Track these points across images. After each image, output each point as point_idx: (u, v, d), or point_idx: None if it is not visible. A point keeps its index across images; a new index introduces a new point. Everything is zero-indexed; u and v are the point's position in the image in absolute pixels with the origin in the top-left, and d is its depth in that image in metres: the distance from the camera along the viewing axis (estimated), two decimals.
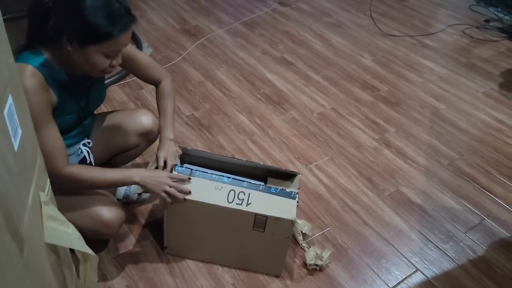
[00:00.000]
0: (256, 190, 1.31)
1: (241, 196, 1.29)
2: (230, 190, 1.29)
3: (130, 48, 1.32)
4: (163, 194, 1.22)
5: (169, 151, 1.35)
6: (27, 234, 0.66)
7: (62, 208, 1.21)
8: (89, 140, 1.42)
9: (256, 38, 2.99)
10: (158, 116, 1.46)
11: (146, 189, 1.24)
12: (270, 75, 2.56)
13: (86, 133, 1.40)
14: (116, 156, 1.55)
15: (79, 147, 1.38)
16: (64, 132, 1.24)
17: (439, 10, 3.75)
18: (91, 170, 1.19)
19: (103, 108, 2.05)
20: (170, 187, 1.22)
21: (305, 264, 1.47)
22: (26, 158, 0.70)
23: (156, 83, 1.45)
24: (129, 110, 1.56)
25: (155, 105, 2.18)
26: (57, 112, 1.16)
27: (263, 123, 2.16)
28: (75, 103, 1.24)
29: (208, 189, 1.28)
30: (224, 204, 1.26)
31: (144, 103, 2.22)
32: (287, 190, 1.33)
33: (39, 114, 1.06)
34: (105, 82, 2.24)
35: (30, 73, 1.05)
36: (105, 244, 1.47)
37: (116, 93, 2.26)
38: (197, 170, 1.32)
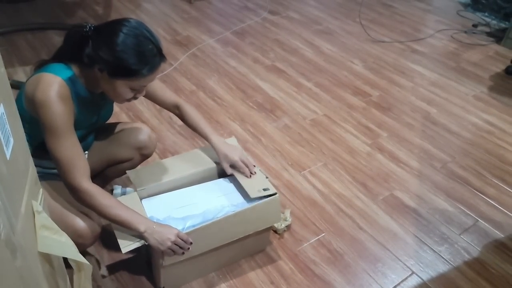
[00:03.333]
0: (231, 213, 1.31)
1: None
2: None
3: (150, 87, 1.41)
4: (167, 251, 1.18)
5: (236, 151, 1.39)
6: (20, 243, 0.66)
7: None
8: (86, 152, 1.42)
9: (247, 47, 3.01)
10: (154, 132, 1.49)
11: (147, 241, 1.18)
12: (261, 83, 2.58)
13: (86, 147, 1.41)
14: (109, 167, 1.55)
15: None
16: None
17: (428, 16, 3.81)
18: (108, 198, 1.16)
19: (110, 121, 2.05)
20: (176, 243, 1.18)
21: (277, 234, 1.58)
22: (18, 167, 0.70)
23: (173, 105, 1.47)
24: (127, 123, 1.56)
25: (147, 116, 2.20)
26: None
27: (255, 130, 2.17)
28: (88, 119, 1.28)
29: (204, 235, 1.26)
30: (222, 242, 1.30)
31: (136, 114, 2.22)
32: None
33: (64, 124, 1.09)
34: None
35: (59, 84, 1.09)
36: (100, 254, 1.46)
37: None
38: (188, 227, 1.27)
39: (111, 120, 2.15)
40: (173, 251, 1.18)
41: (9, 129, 0.66)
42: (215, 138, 1.41)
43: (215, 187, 1.43)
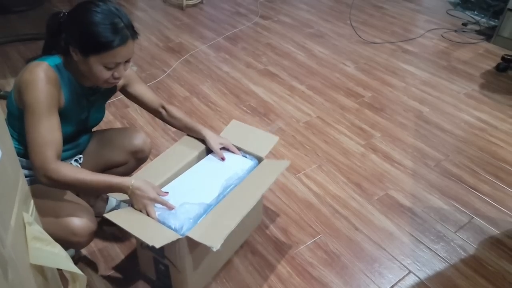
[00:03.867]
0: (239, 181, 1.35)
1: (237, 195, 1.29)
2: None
3: (138, 89, 1.45)
4: (143, 211, 1.19)
5: (219, 138, 1.44)
6: (11, 256, 0.66)
7: (47, 208, 1.20)
8: (80, 156, 1.42)
9: (239, 51, 3.02)
10: (149, 137, 1.50)
11: (130, 199, 1.19)
12: (255, 87, 2.59)
13: (79, 150, 1.41)
14: (104, 172, 1.55)
15: (70, 163, 1.38)
16: None
17: (418, 16, 3.84)
18: (80, 169, 1.16)
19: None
20: (147, 212, 1.18)
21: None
22: (7, 179, 0.69)
23: (159, 106, 1.50)
24: (122, 128, 1.58)
25: (141, 123, 2.20)
26: (62, 117, 1.19)
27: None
28: (77, 114, 1.28)
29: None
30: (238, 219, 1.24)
31: (130, 121, 2.22)
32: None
33: (44, 104, 1.09)
34: None
35: (45, 67, 1.12)
36: (95, 264, 1.45)
37: None
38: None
39: (104, 126, 2.15)
40: (149, 214, 1.18)
41: None
42: (207, 129, 1.48)
43: (211, 163, 1.43)
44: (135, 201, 1.18)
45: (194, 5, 3.81)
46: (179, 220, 1.17)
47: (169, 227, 1.16)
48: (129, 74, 1.42)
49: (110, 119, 2.22)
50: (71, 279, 0.88)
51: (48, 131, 1.10)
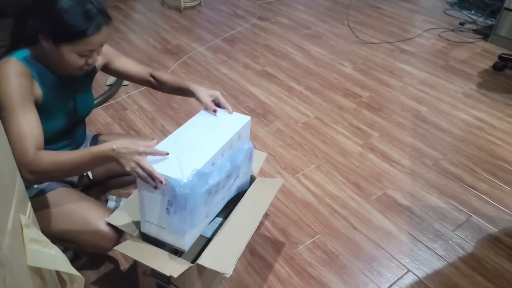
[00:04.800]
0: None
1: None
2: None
3: (121, 64, 1.38)
4: (133, 173, 1.06)
5: (208, 91, 1.34)
6: (8, 258, 0.66)
7: (58, 222, 1.21)
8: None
9: (237, 53, 3.02)
10: (148, 138, 1.48)
11: (118, 164, 1.06)
12: (253, 89, 2.59)
13: (77, 144, 1.38)
14: (112, 178, 1.55)
15: None
16: (54, 139, 1.24)
17: (415, 16, 3.85)
18: (59, 153, 1.07)
19: (103, 131, 2.05)
20: (142, 167, 1.04)
21: None
22: (3, 181, 0.70)
23: (147, 74, 1.44)
24: (130, 136, 1.56)
25: (140, 125, 2.21)
26: (45, 112, 1.15)
27: None
28: (62, 105, 1.23)
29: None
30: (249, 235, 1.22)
31: (128, 123, 2.22)
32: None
33: (16, 99, 1.05)
34: None
35: (12, 61, 1.07)
36: (93, 265, 1.46)
37: (100, 115, 2.26)
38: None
39: (102, 129, 2.15)
40: (139, 175, 1.05)
41: None
42: (194, 84, 1.38)
43: (205, 118, 1.32)
44: (124, 162, 1.04)
45: (192, 7, 3.82)
46: (181, 169, 1.06)
47: (169, 178, 1.03)
48: (107, 51, 1.35)
49: (108, 121, 2.22)
50: (69, 281, 0.89)
51: (23, 125, 1.04)
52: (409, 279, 1.49)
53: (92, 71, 1.34)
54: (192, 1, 3.86)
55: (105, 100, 2.37)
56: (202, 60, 2.91)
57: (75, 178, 1.39)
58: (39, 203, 1.23)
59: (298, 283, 1.45)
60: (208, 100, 1.34)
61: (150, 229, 1.16)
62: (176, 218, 1.08)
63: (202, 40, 3.20)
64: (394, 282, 1.48)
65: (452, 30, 3.52)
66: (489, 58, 3.08)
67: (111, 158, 1.05)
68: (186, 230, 1.11)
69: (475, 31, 3.51)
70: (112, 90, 2.44)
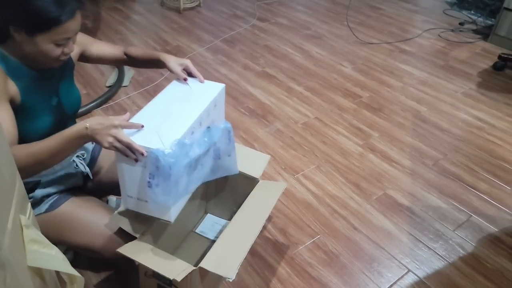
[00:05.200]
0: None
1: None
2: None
3: (96, 50, 1.34)
4: (112, 148, 1.03)
5: (178, 59, 1.31)
6: (8, 258, 0.66)
7: (77, 235, 1.21)
8: (83, 152, 1.39)
9: (237, 54, 3.03)
10: None
11: (95, 141, 1.04)
12: (252, 89, 2.59)
13: None
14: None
15: (73, 160, 1.34)
16: (44, 138, 1.15)
17: (415, 16, 3.85)
18: (30, 145, 1.03)
19: None
20: (119, 141, 1.02)
21: None
22: (3, 182, 0.70)
23: (122, 54, 1.41)
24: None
25: None
26: (27, 112, 1.12)
27: (248, 136, 2.17)
28: (45, 102, 1.18)
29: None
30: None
31: None
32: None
33: None
34: (88, 106, 2.27)
35: None
36: (94, 267, 1.46)
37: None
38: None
39: None
40: (118, 149, 1.03)
41: None
42: (164, 53, 1.34)
43: (178, 88, 1.29)
44: (100, 138, 1.01)
45: (191, 8, 3.82)
46: (161, 140, 1.04)
47: (151, 149, 1.02)
48: (81, 39, 1.31)
49: None
50: (68, 281, 0.89)
51: None
52: (410, 279, 1.49)
53: (70, 63, 1.29)
54: (192, 2, 3.86)
55: (104, 101, 2.37)
56: (201, 61, 2.91)
57: (79, 181, 1.38)
58: (53, 218, 1.23)
59: (298, 284, 1.45)
60: (178, 69, 1.31)
61: (133, 204, 1.15)
62: (160, 190, 1.06)
63: (201, 41, 3.21)
64: (395, 282, 1.47)
65: (452, 30, 3.52)
66: (489, 58, 3.08)
67: (86, 136, 1.02)
68: (170, 202, 1.08)
69: (475, 31, 3.51)
70: (112, 91, 2.44)
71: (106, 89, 2.49)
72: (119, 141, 1.01)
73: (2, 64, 1.07)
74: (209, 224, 1.58)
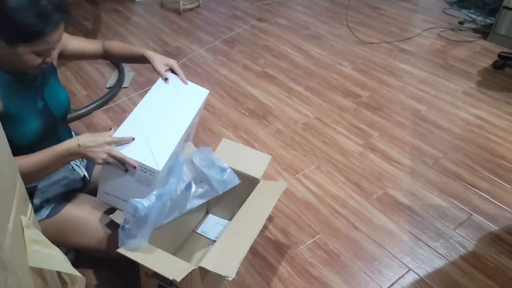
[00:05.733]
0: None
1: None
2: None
3: (74, 47, 1.32)
4: (104, 163, 1.08)
5: (164, 59, 1.30)
6: (9, 259, 0.66)
7: (80, 238, 1.23)
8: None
9: (236, 54, 3.03)
10: None
11: (87, 158, 1.08)
12: (252, 90, 2.60)
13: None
14: None
15: (70, 164, 1.32)
16: (36, 145, 1.16)
17: (414, 15, 3.85)
18: (25, 158, 1.04)
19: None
20: (113, 156, 1.06)
21: None
22: (4, 183, 0.70)
23: (102, 49, 1.40)
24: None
25: None
26: (12, 118, 1.09)
27: (248, 137, 2.18)
28: (29, 106, 1.15)
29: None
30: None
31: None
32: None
33: None
34: (89, 107, 2.28)
35: None
36: (95, 267, 1.46)
37: (100, 118, 2.27)
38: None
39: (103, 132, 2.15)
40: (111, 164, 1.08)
41: None
42: (149, 51, 1.35)
43: (163, 90, 1.30)
44: (94, 155, 1.05)
45: (191, 9, 3.83)
46: (153, 155, 1.09)
47: (144, 165, 1.07)
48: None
49: (108, 124, 2.23)
50: (69, 282, 0.89)
51: None
52: (410, 278, 1.49)
53: (51, 66, 1.27)
54: (191, 3, 3.87)
55: (105, 103, 2.38)
56: (201, 62, 2.92)
57: (78, 184, 1.38)
58: (55, 223, 1.24)
59: (299, 283, 1.45)
60: (162, 69, 1.31)
61: (109, 199, 1.20)
62: (132, 233, 1.12)
63: (201, 42, 3.21)
64: (396, 281, 1.48)
65: (452, 29, 3.53)
66: (488, 56, 3.08)
67: (77, 154, 1.06)
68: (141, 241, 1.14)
69: (475, 30, 3.51)
70: (112, 93, 2.44)
71: (107, 90, 2.49)
72: (113, 156, 1.06)
73: None
74: (210, 225, 1.58)
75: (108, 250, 1.24)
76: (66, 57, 1.34)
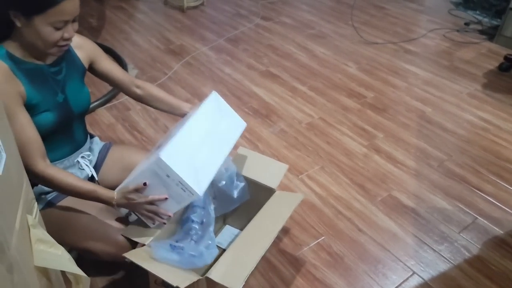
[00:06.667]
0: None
1: None
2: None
3: (106, 65, 1.35)
4: (142, 217, 1.20)
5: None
6: (16, 258, 0.66)
7: (74, 235, 1.22)
8: (88, 153, 1.37)
9: (240, 53, 3.02)
10: (151, 139, 1.46)
11: (119, 207, 1.21)
12: (256, 89, 2.59)
13: (77, 144, 1.33)
14: None
15: (77, 160, 1.33)
16: (47, 137, 1.18)
17: (420, 16, 3.83)
18: (68, 177, 1.14)
19: (106, 132, 2.05)
20: (149, 211, 1.18)
21: None
22: (11, 182, 0.70)
23: (132, 84, 1.41)
24: (140, 150, 1.54)
25: (143, 126, 2.21)
26: (32, 108, 1.13)
27: (252, 136, 2.17)
28: (49, 97, 1.18)
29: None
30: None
31: (132, 124, 2.22)
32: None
33: (8, 105, 1.03)
34: (92, 105, 2.27)
35: None
36: (99, 266, 1.45)
37: (103, 115, 2.26)
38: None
39: (106, 129, 2.15)
40: (149, 217, 1.19)
41: (0, 144, 0.67)
42: (184, 106, 1.41)
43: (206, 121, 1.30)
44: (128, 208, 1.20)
45: (195, 7, 3.82)
46: (197, 178, 1.13)
47: (187, 185, 1.10)
48: (94, 49, 1.32)
49: (112, 121, 2.22)
50: (74, 281, 0.88)
51: (19, 132, 1.05)
52: (415, 281, 1.48)
53: (78, 63, 1.29)
54: (195, 1, 3.85)
55: (108, 101, 2.37)
56: (205, 60, 2.91)
57: None
58: (51, 216, 1.22)
59: (303, 285, 1.44)
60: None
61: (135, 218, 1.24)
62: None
63: (205, 40, 3.20)
64: (400, 285, 1.47)
65: (457, 31, 3.51)
66: (494, 58, 3.07)
67: (111, 205, 1.18)
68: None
69: (480, 32, 3.49)
70: (116, 91, 2.44)
71: (110, 88, 2.48)
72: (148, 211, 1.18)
73: (8, 61, 1.08)
74: (227, 235, 1.56)
75: (103, 252, 1.23)
76: (94, 71, 1.36)
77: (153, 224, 1.20)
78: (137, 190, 1.14)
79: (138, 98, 1.43)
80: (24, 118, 1.08)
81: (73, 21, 1.10)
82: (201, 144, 1.20)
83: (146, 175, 1.12)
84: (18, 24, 1.04)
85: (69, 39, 1.11)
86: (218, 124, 1.30)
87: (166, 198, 1.14)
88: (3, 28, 1.08)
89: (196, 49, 3.05)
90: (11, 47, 1.10)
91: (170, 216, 1.16)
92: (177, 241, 1.19)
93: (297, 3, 4.02)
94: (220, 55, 2.98)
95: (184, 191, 1.10)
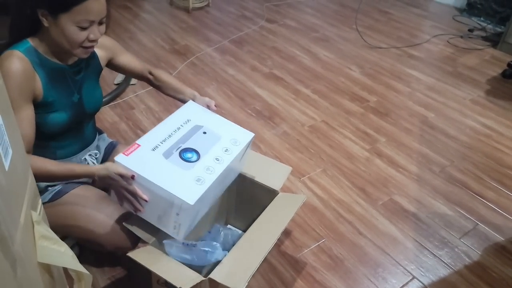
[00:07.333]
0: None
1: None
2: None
3: (124, 59, 1.39)
4: (117, 195, 1.15)
5: (204, 99, 1.37)
6: (20, 253, 0.66)
7: (79, 225, 1.22)
8: (96, 151, 1.39)
9: (244, 55, 3.03)
10: None
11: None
12: (260, 91, 2.59)
13: (86, 143, 1.35)
14: None
15: (84, 158, 1.34)
16: (60, 135, 1.21)
17: (424, 21, 3.84)
18: (47, 163, 1.11)
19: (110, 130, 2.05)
20: (128, 192, 1.11)
21: None
22: (17, 177, 0.70)
23: (146, 71, 1.46)
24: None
25: (146, 125, 2.21)
26: (47, 104, 1.14)
27: (254, 138, 2.17)
28: (65, 96, 1.20)
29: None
30: None
31: (135, 123, 2.23)
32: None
33: (13, 96, 1.03)
34: None
35: (16, 56, 1.06)
36: (101, 264, 1.46)
37: (107, 114, 2.27)
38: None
39: (109, 128, 2.15)
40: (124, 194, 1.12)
41: (7, 140, 0.67)
42: (195, 92, 1.43)
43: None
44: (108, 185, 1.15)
45: (200, 8, 3.83)
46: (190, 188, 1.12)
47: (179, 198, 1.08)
48: (113, 46, 1.35)
49: (115, 120, 2.23)
50: (76, 278, 0.89)
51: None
52: (414, 286, 1.48)
53: (97, 64, 1.31)
54: (201, 2, 3.87)
55: (112, 99, 2.38)
56: (209, 61, 2.92)
57: (89, 179, 1.38)
58: (58, 207, 1.24)
59: (303, 287, 1.45)
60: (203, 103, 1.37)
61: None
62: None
63: (209, 41, 3.21)
64: None
65: (461, 37, 3.51)
66: (498, 65, 3.07)
67: (93, 177, 1.14)
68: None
69: (484, 38, 3.50)
70: (120, 89, 2.44)
71: (114, 87, 2.49)
72: (127, 191, 1.11)
73: (32, 55, 1.10)
74: (229, 237, 1.56)
75: (108, 243, 1.23)
76: (114, 66, 1.39)
77: (122, 206, 1.18)
78: (122, 177, 1.09)
79: (151, 84, 1.48)
80: (25, 114, 1.08)
81: (100, 23, 1.11)
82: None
83: (158, 193, 1.08)
84: (45, 23, 1.06)
85: (94, 41, 1.12)
86: (219, 137, 1.30)
87: (146, 201, 1.11)
88: (30, 26, 1.10)
89: (201, 49, 3.06)
90: (37, 43, 1.12)
91: (146, 200, 1.10)
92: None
93: (301, 6, 4.03)
94: (224, 56, 2.99)
95: (173, 227, 1.14)
